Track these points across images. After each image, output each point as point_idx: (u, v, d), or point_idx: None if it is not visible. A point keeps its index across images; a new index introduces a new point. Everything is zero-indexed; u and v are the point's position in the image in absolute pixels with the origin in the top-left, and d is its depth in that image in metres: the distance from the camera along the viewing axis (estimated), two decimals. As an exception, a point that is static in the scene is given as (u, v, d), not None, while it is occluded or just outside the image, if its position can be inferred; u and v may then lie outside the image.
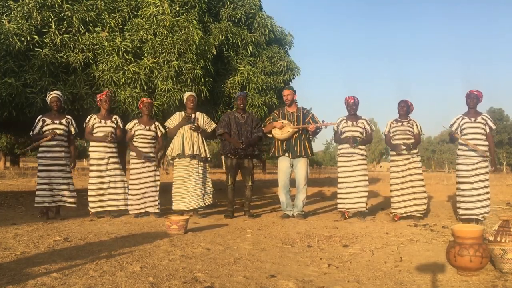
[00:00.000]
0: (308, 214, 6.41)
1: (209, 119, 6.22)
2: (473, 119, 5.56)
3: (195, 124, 5.87)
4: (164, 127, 6.10)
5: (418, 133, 5.84)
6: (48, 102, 5.76)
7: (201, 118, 6.05)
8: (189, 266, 3.15)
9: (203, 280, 2.78)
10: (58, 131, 5.61)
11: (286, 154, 5.95)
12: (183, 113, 6.03)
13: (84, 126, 5.83)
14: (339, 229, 5.06)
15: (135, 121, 5.99)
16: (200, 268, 3.08)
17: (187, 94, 6.13)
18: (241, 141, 5.93)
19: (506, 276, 2.91)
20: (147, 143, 5.92)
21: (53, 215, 5.70)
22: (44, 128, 5.62)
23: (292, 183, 6.09)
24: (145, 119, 5.99)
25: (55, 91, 5.87)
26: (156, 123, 6.09)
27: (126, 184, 5.92)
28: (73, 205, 5.79)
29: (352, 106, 5.99)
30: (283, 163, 5.99)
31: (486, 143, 5.52)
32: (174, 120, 6.00)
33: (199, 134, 5.94)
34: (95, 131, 5.78)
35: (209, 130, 6.12)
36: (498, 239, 2.97)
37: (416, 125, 5.85)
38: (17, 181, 15.00)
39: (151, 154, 5.92)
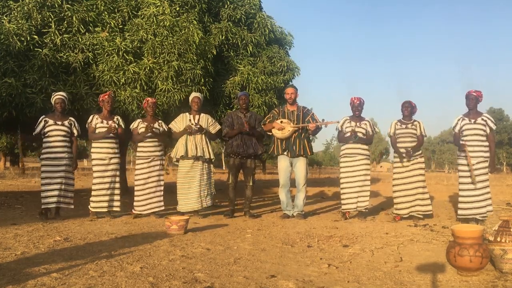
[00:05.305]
0: (308, 214, 6.40)
1: (213, 120, 6.20)
2: (473, 120, 5.51)
3: (198, 126, 5.84)
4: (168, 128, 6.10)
5: (421, 134, 5.81)
6: (53, 103, 5.75)
7: (205, 119, 6.03)
8: (189, 266, 3.15)
9: (203, 280, 2.78)
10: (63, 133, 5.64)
11: (285, 153, 5.93)
12: (187, 114, 6.02)
13: (86, 126, 5.82)
14: (339, 229, 5.06)
15: (139, 120, 6.00)
16: (200, 268, 3.08)
17: (192, 95, 6.11)
18: (243, 142, 5.93)
19: (506, 276, 2.91)
20: (151, 142, 5.92)
21: (52, 215, 5.70)
22: (46, 129, 5.61)
23: (292, 183, 6.09)
24: (149, 119, 5.99)
25: (60, 92, 5.86)
26: (160, 121, 6.09)
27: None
28: (72, 206, 5.82)
29: (358, 107, 5.94)
30: (283, 162, 5.98)
31: (487, 143, 5.49)
32: (178, 122, 5.98)
33: (203, 136, 5.93)
34: (97, 131, 5.79)
35: (213, 132, 6.10)
36: (498, 239, 2.97)
37: (420, 126, 5.81)
38: (17, 181, 15.01)
39: (157, 153, 5.92)
